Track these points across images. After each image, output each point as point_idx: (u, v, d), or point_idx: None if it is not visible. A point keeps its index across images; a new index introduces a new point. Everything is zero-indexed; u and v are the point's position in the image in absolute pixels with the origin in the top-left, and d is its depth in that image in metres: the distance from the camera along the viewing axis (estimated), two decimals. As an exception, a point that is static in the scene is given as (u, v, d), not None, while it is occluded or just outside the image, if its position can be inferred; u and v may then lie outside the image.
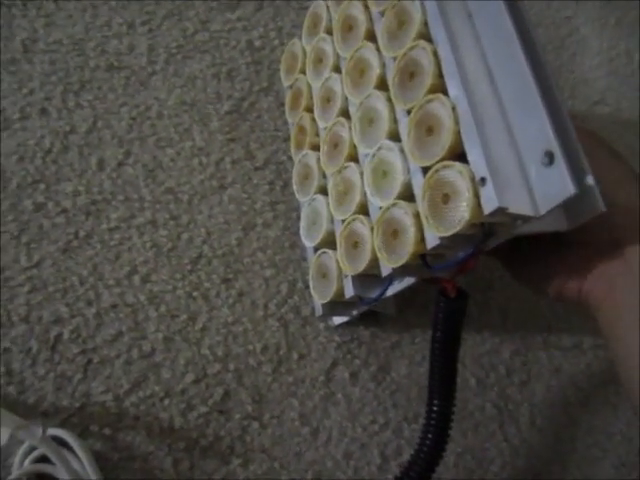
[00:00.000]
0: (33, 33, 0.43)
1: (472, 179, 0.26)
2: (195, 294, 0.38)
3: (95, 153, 0.40)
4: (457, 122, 0.27)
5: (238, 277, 0.39)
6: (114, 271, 0.37)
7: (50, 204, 0.38)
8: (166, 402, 0.35)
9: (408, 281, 0.33)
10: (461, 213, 0.26)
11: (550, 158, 0.26)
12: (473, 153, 0.27)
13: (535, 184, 0.27)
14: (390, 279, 0.33)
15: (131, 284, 0.37)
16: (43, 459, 0.31)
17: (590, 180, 0.26)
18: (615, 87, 0.59)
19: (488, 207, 0.25)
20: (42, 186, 0.38)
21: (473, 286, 0.45)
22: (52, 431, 0.32)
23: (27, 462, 0.32)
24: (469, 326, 0.43)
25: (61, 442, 0.32)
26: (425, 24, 0.31)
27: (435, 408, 0.32)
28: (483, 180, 0.26)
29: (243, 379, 0.37)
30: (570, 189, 0.25)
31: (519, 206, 0.26)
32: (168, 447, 0.34)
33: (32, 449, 0.32)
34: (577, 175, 0.26)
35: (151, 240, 0.39)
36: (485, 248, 0.29)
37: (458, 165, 0.27)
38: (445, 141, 0.28)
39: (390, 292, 0.34)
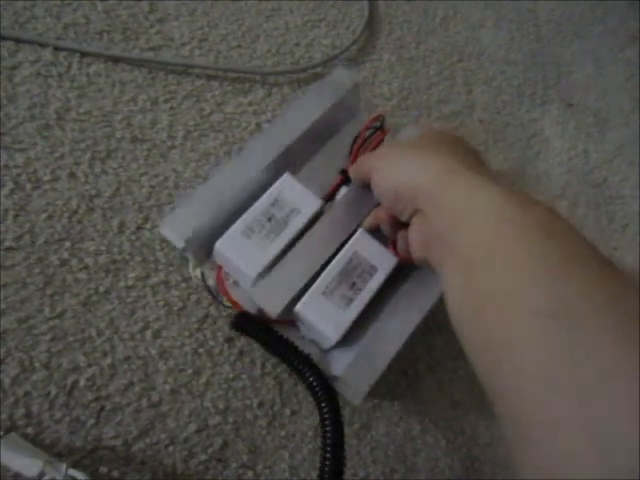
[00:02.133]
0: (66, 103, 0.47)
1: None
2: (201, 351, 0.42)
3: (117, 216, 0.44)
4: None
5: (240, 337, 0.43)
6: (129, 326, 0.41)
7: (74, 260, 0.41)
8: (170, 449, 0.38)
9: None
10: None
11: None
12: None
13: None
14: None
15: (143, 339, 0.41)
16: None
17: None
18: (574, 183, 0.66)
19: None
20: (67, 244, 0.42)
21: (445, 355, 0.50)
22: (69, 471, 0.35)
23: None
24: (441, 391, 0.48)
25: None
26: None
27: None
28: None
29: (240, 431, 0.41)
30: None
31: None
32: (171, 491, 0.38)
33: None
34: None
35: (164, 299, 0.43)
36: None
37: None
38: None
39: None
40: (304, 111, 0.47)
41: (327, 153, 0.49)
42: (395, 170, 0.37)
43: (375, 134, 0.50)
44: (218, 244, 0.40)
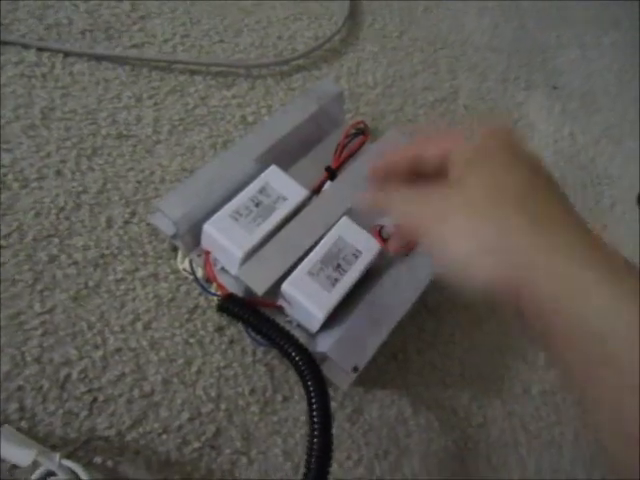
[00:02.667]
0: (51, 102, 0.48)
1: None
2: (191, 341, 0.42)
3: (104, 212, 0.45)
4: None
5: (230, 326, 0.44)
6: (119, 318, 0.41)
7: (63, 256, 0.42)
8: (164, 437, 0.39)
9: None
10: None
11: None
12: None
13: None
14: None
15: (134, 330, 0.41)
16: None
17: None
18: (560, 165, 0.67)
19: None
20: (56, 240, 0.42)
21: (435, 339, 0.50)
22: (62, 462, 0.35)
23: (36, 491, 0.35)
24: (433, 374, 0.48)
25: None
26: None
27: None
28: None
29: (233, 418, 0.41)
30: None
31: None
32: (165, 479, 0.38)
33: (42, 478, 0.35)
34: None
35: (153, 291, 0.43)
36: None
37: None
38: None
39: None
40: (289, 115, 0.48)
41: (312, 159, 0.50)
42: (473, 251, 0.28)
43: (356, 139, 0.52)
44: (206, 225, 0.41)
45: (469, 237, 0.28)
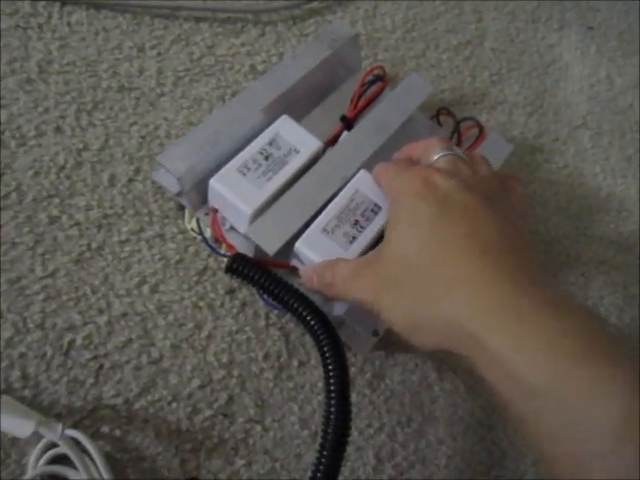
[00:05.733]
0: (48, 55, 0.45)
1: None
2: (201, 304, 0.40)
3: (107, 169, 0.42)
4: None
5: (241, 288, 0.41)
6: (124, 281, 0.39)
7: (64, 217, 0.40)
8: (174, 406, 0.37)
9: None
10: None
11: None
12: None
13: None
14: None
15: (141, 294, 0.39)
16: (56, 461, 0.33)
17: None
18: (596, 111, 0.62)
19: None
20: (56, 200, 0.40)
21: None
22: (67, 432, 0.33)
23: (41, 462, 0.33)
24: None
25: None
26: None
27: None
28: None
29: (246, 385, 0.39)
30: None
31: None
32: (175, 448, 0.36)
33: (46, 449, 0.33)
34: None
35: (160, 252, 0.41)
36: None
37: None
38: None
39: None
40: (300, 61, 0.45)
41: (326, 108, 0.47)
42: (408, 328, 0.30)
43: (374, 86, 0.48)
44: (212, 181, 0.38)
45: (401, 316, 0.30)
